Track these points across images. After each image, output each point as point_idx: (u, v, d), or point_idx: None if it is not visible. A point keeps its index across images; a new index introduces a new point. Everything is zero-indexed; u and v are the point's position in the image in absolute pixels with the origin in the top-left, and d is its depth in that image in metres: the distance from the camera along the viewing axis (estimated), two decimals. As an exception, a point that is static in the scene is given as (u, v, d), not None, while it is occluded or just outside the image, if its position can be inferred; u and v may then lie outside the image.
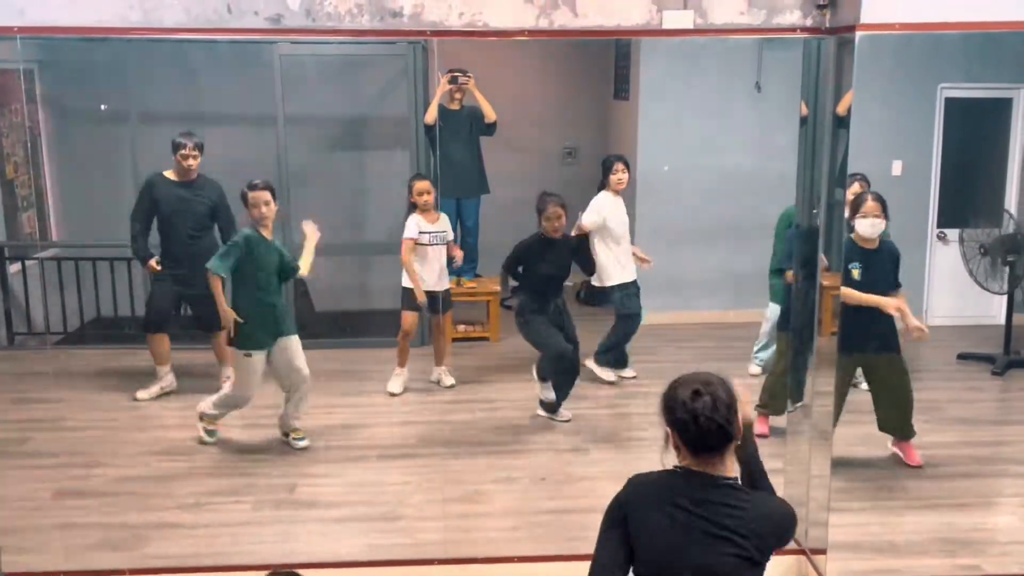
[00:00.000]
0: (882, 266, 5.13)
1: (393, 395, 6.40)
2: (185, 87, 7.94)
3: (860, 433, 5.28)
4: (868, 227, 5.01)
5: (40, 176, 7.91)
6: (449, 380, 6.55)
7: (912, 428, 5.31)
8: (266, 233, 5.35)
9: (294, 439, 5.61)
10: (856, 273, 5.00)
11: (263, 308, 5.37)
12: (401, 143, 7.45)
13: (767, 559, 2.52)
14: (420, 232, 6.27)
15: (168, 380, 6.37)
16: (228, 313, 5.32)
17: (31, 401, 6.15)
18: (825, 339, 4.46)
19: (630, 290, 6.44)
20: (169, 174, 6.17)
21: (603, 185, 6.49)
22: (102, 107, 7.85)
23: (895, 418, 5.28)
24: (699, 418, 2.46)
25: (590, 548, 2.62)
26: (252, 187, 5.32)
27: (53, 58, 7.57)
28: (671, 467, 2.58)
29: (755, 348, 6.57)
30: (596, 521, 2.64)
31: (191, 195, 6.17)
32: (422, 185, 6.31)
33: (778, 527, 2.56)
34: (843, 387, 4.92)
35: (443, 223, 6.42)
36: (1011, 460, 5.55)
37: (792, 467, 4.61)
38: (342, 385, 6.68)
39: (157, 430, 5.90)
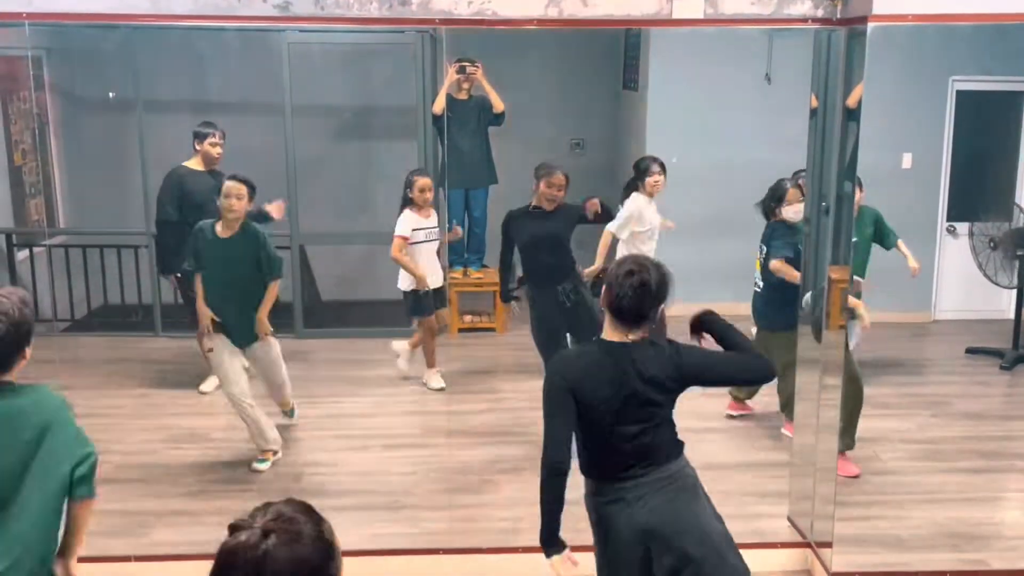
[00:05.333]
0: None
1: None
2: (193, 75, 7.94)
3: (864, 427, 5.25)
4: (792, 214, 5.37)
5: (48, 163, 7.91)
6: (438, 383, 6.35)
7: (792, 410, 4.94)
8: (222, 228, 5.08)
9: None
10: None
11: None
12: (409, 133, 7.44)
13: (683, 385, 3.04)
14: (414, 230, 6.08)
15: None
16: (201, 311, 5.17)
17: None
18: (833, 332, 4.44)
19: None
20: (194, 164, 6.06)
21: (635, 187, 5.93)
22: (110, 95, 7.86)
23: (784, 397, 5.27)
24: (625, 294, 2.95)
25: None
26: (230, 177, 5.09)
27: (61, 45, 7.57)
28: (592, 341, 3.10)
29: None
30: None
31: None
32: (424, 182, 6.10)
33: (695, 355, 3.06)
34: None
35: (435, 218, 6.25)
36: (1018, 455, 5.53)
37: (798, 460, 4.59)
38: (348, 374, 6.69)
39: (164, 417, 5.91)
